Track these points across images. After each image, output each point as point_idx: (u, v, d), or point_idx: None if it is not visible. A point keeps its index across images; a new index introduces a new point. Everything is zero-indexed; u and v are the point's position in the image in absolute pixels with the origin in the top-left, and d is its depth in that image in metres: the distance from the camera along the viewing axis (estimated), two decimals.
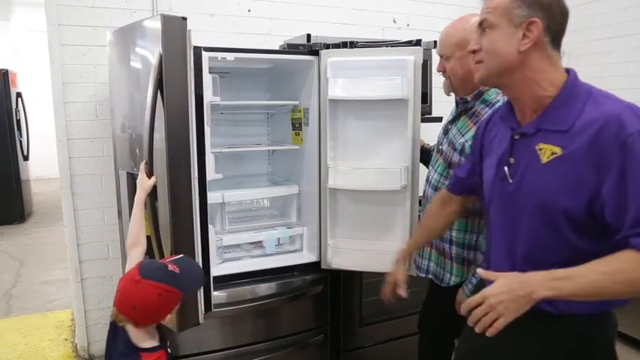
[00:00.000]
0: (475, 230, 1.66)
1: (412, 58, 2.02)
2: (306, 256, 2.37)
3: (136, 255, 1.55)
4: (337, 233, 2.26)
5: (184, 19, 1.66)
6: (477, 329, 1.04)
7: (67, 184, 2.61)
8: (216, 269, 2.12)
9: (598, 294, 1.02)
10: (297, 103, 2.37)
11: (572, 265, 1.01)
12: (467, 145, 1.60)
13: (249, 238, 2.35)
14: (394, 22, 3.27)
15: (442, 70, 1.70)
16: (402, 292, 1.60)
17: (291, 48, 2.28)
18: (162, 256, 1.71)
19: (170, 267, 1.28)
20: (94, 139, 2.62)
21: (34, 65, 7.53)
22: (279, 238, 2.38)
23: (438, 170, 1.78)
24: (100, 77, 2.58)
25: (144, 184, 1.66)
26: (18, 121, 5.81)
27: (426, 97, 2.47)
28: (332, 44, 2.19)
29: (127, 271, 1.46)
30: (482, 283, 1.25)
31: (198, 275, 1.44)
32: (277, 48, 2.44)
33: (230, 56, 2.07)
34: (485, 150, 1.32)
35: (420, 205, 2.08)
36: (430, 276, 1.84)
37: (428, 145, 2.16)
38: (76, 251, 2.67)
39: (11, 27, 8.31)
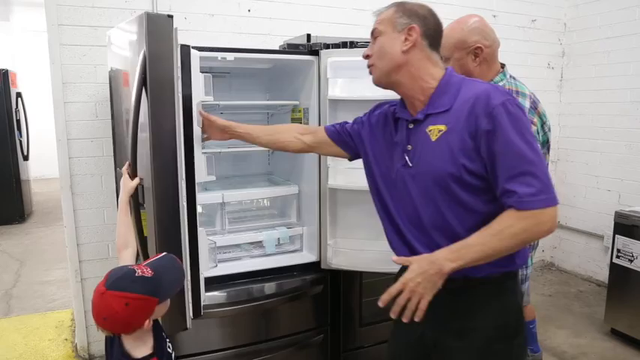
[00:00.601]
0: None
1: None
2: (306, 256, 2.37)
3: (127, 257, 1.52)
4: (337, 233, 2.26)
5: (170, 17, 1.62)
6: (405, 318, 1.17)
7: (67, 184, 2.61)
8: (216, 270, 2.11)
9: (494, 253, 1.18)
10: (297, 103, 2.37)
11: (475, 229, 1.18)
12: None
13: (249, 238, 2.35)
14: None
15: None
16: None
17: (291, 48, 2.28)
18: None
19: (139, 272, 1.20)
20: (94, 139, 2.62)
21: (34, 65, 7.53)
22: (279, 238, 2.38)
23: None
24: (100, 77, 2.58)
25: (127, 185, 1.63)
26: (18, 121, 5.81)
27: None
28: (332, 44, 2.19)
29: None
30: (400, 273, 1.35)
31: (176, 277, 1.34)
32: (277, 48, 2.43)
33: (230, 56, 2.07)
34: (365, 137, 1.50)
35: None
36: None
37: None
38: (76, 251, 2.67)
39: (11, 27, 8.30)
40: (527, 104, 1.57)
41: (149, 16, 1.58)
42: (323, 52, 2.16)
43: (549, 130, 1.66)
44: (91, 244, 2.69)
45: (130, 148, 1.63)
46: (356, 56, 2.10)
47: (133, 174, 1.64)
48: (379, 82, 1.37)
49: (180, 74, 1.71)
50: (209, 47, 2.01)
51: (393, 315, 1.19)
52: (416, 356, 1.41)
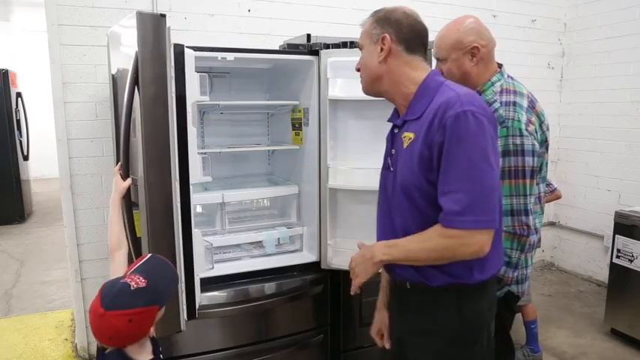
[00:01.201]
0: None
1: None
2: (306, 256, 2.37)
3: (120, 257, 1.50)
4: (337, 233, 2.26)
5: (163, 16, 1.60)
6: (351, 292, 1.36)
7: (67, 184, 2.61)
8: (216, 270, 2.12)
9: (415, 259, 1.24)
10: (297, 103, 2.37)
11: None
12: None
13: (249, 238, 2.35)
14: None
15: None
16: (387, 344, 1.52)
17: (291, 48, 2.28)
18: None
19: (134, 285, 1.16)
20: (94, 139, 2.62)
21: (34, 65, 7.53)
22: (279, 238, 2.38)
23: None
24: (100, 77, 2.58)
25: (118, 185, 1.62)
26: (18, 121, 5.81)
27: None
28: (332, 44, 2.19)
29: (112, 275, 1.38)
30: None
31: (170, 278, 1.30)
32: (277, 48, 2.43)
33: (230, 56, 2.07)
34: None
35: None
36: None
37: None
38: (76, 251, 2.67)
39: (11, 27, 8.31)
40: (525, 103, 1.57)
41: (141, 16, 1.57)
42: (323, 52, 2.16)
43: (548, 129, 1.66)
44: (91, 244, 2.70)
45: (122, 147, 1.62)
46: (356, 56, 2.10)
47: (125, 174, 1.63)
48: (367, 93, 1.41)
49: (173, 74, 1.69)
50: (209, 47, 2.01)
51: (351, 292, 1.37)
52: (396, 353, 1.46)
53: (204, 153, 2.06)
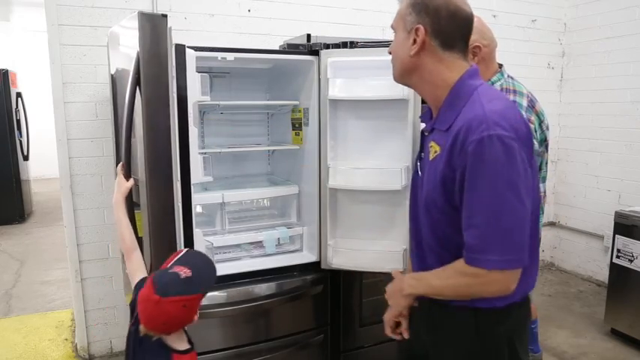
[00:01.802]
0: None
1: None
2: (306, 256, 2.36)
3: (138, 258, 1.52)
4: (338, 233, 2.26)
5: (164, 16, 1.61)
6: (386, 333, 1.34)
7: (67, 184, 2.61)
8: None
9: (440, 295, 1.18)
10: (297, 103, 2.37)
11: (447, 253, 1.14)
12: None
13: (249, 238, 2.35)
14: None
15: None
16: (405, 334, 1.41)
17: (291, 48, 2.28)
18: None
19: (182, 274, 1.24)
20: (94, 139, 2.62)
21: (34, 65, 7.53)
22: (279, 238, 2.38)
23: None
24: (100, 77, 2.58)
25: (121, 185, 1.61)
26: (18, 121, 5.81)
27: None
28: (332, 44, 2.19)
29: (131, 275, 1.46)
30: None
31: (213, 268, 1.38)
32: (277, 48, 2.43)
33: (230, 56, 2.06)
34: None
35: None
36: None
37: None
38: (76, 251, 2.67)
39: (11, 27, 8.31)
40: (524, 103, 1.57)
41: (142, 16, 1.57)
42: (323, 52, 2.15)
43: (547, 128, 1.66)
44: (91, 244, 2.70)
45: (124, 147, 1.62)
46: (356, 56, 2.11)
47: (127, 174, 1.62)
48: (397, 81, 1.28)
49: (174, 74, 1.70)
50: (209, 47, 2.01)
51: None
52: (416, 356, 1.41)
53: (205, 153, 2.06)
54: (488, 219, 1.04)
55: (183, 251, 1.37)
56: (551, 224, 4.26)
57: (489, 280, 1.06)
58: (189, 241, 1.88)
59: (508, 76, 1.67)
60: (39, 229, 5.73)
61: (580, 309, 3.47)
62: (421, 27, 1.13)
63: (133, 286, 1.44)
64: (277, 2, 2.96)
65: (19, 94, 5.91)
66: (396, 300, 1.25)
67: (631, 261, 2.89)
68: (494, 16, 3.65)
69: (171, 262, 1.30)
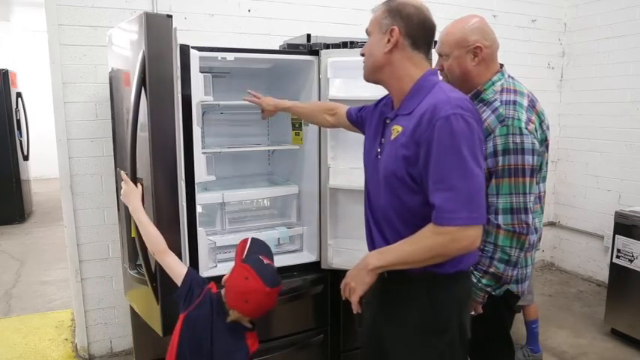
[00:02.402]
0: None
1: None
2: (306, 256, 2.37)
3: (172, 255, 1.57)
4: (338, 233, 2.26)
5: (169, 16, 1.62)
6: (353, 311, 1.36)
7: (67, 184, 2.61)
8: (216, 270, 2.12)
9: (411, 261, 1.27)
10: None
11: (414, 227, 1.26)
12: None
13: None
14: None
15: (440, 69, 1.70)
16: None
17: (291, 48, 2.28)
18: (146, 258, 1.67)
19: (273, 265, 1.45)
20: (94, 139, 2.62)
21: (34, 65, 7.52)
22: (279, 238, 2.38)
23: None
24: (100, 77, 2.58)
25: (134, 191, 1.62)
26: (18, 121, 5.81)
27: None
28: (332, 44, 2.19)
29: (174, 276, 1.53)
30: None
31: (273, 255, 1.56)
32: (277, 48, 2.44)
33: (230, 56, 2.07)
34: (366, 122, 1.60)
35: None
36: None
37: None
38: (76, 251, 2.67)
39: (11, 27, 8.31)
40: (525, 103, 1.57)
41: (148, 16, 1.58)
42: (323, 52, 2.16)
43: (548, 128, 1.66)
44: (91, 244, 2.70)
45: (130, 148, 1.62)
46: (356, 56, 2.10)
47: (133, 180, 1.64)
48: (367, 79, 1.45)
49: (179, 74, 1.71)
50: (209, 47, 2.01)
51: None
52: (371, 337, 1.54)
53: (207, 153, 2.07)
54: (457, 182, 1.19)
55: (249, 241, 1.52)
56: (551, 224, 4.26)
57: (459, 237, 1.19)
58: (192, 240, 1.89)
59: (509, 76, 1.67)
60: (39, 229, 5.73)
61: (580, 309, 3.48)
62: (396, 28, 1.32)
63: (180, 279, 1.51)
64: (277, 2, 2.96)
65: (19, 94, 5.91)
66: (361, 278, 1.31)
67: (631, 261, 2.89)
68: (495, 16, 3.66)
69: (248, 252, 1.46)
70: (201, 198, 2.21)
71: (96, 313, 2.77)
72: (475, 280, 1.57)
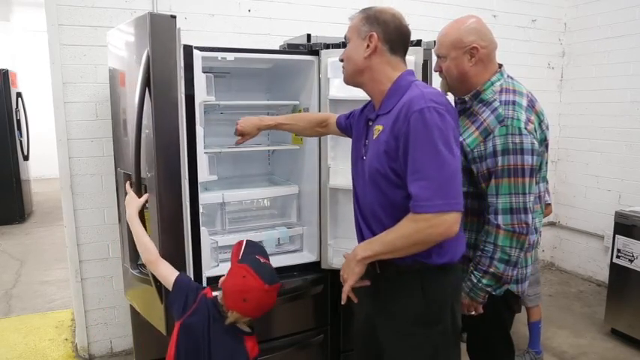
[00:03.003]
0: (473, 229, 1.66)
1: (412, 58, 2.02)
2: (306, 256, 2.37)
3: (165, 263, 1.57)
4: (338, 233, 2.26)
5: (173, 17, 1.63)
6: (342, 301, 1.40)
7: (67, 184, 2.61)
8: (216, 270, 2.12)
9: (395, 250, 1.32)
10: (297, 103, 2.37)
11: (393, 220, 1.32)
12: (465, 144, 1.60)
13: (249, 238, 2.35)
14: None
15: (439, 70, 1.71)
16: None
17: (291, 48, 2.28)
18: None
19: (270, 263, 1.46)
20: (94, 139, 2.62)
21: (34, 65, 7.53)
22: (279, 238, 2.38)
23: None
24: (100, 77, 2.58)
25: (134, 201, 1.65)
26: (18, 121, 5.81)
27: None
28: (332, 44, 2.19)
29: (166, 278, 1.54)
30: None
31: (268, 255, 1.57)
32: (277, 48, 2.44)
33: (230, 56, 2.07)
34: (353, 127, 1.65)
35: None
36: None
37: None
38: (76, 251, 2.67)
39: (11, 27, 8.31)
40: (524, 102, 1.57)
41: (152, 17, 1.59)
42: (323, 52, 2.16)
43: (547, 128, 1.66)
44: (91, 244, 2.70)
45: (134, 148, 1.63)
46: None
47: (137, 191, 1.66)
48: (347, 82, 1.52)
49: (183, 74, 1.71)
50: (209, 47, 2.01)
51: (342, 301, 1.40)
52: (365, 334, 1.59)
53: (208, 153, 2.08)
54: (431, 171, 1.25)
55: (244, 243, 1.53)
56: (551, 224, 4.26)
57: (436, 223, 1.25)
58: (195, 240, 1.90)
59: (508, 76, 1.67)
60: (39, 229, 5.73)
61: (580, 309, 3.48)
62: (375, 34, 1.39)
63: (170, 285, 1.51)
64: (277, 2, 2.96)
65: (19, 94, 5.91)
66: (351, 269, 1.36)
67: (631, 261, 2.89)
68: (495, 16, 3.66)
69: (243, 253, 1.47)
70: (202, 198, 2.20)
71: (96, 313, 2.77)
72: (475, 280, 1.57)
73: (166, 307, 1.67)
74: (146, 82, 1.60)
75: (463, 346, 1.64)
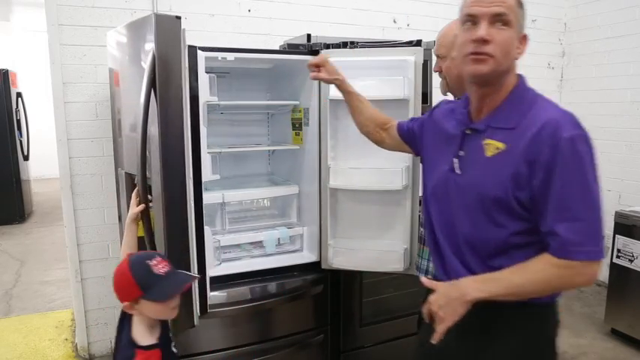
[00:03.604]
0: None
1: (413, 58, 2.02)
2: (307, 256, 2.36)
3: None
4: (338, 233, 2.26)
5: (178, 18, 1.64)
6: (434, 340, 1.13)
7: (67, 184, 2.61)
8: (216, 270, 2.12)
9: (520, 293, 1.13)
10: (297, 103, 2.37)
11: (506, 255, 1.15)
12: None
13: (249, 238, 2.35)
14: (394, 22, 3.27)
15: (438, 70, 1.71)
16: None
17: (291, 48, 2.28)
18: None
19: (157, 268, 1.34)
20: (94, 139, 2.62)
21: (34, 65, 7.53)
22: (279, 238, 2.38)
23: None
24: (100, 77, 2.58)
25: (131, 209, 1.67)
26: (18, 121, 5.81)
27: (426, 97, 2.46)
28: (332, 44, 2.19)
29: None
30: (428, 291, 1.26)
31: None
32: (277, 48, 2.43)
33: (230, 56, 2.07)
34: (423, 134, 1.46)
35: (420, 205, 2.08)
36: (429, 276, 1.84)
37: None
38: (76, 251, 2.67)
39: (11, 27, 8.31)
40: None
41: (158, 18, 1.59)
42: (323, 52, 2.15)
43: None
44: (91, 244, 2.70)
45: (140, 148, 1.64)
46: (356, 56, 2.11)
47: (141, 200, 1.66)
48: (487, 75, 1.17)
49: (187, 75, 1.73)
50: (210, 47, 2.01)
51: (433, 341, 1.14)
52: None
53: (210, 152, 2.08)
54: (584, 212, 1.07)
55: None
56: None
57: (582, 271, 1.09)
58: (199, 239, 1.90)
59: None
60: (39, 229, 5.73)
61: (580, 309, 3.48)
62: (527, 36, 1.19)
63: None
64: (277, 2, 2.96)
65: (19, 94, 5.91)
66: (454, 308, 1.11)
67: (631, 261, 2.89)
68: None
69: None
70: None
71: (96, 313, 2.77)
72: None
73: None
74: (152, 83, 1.61)
75: None
